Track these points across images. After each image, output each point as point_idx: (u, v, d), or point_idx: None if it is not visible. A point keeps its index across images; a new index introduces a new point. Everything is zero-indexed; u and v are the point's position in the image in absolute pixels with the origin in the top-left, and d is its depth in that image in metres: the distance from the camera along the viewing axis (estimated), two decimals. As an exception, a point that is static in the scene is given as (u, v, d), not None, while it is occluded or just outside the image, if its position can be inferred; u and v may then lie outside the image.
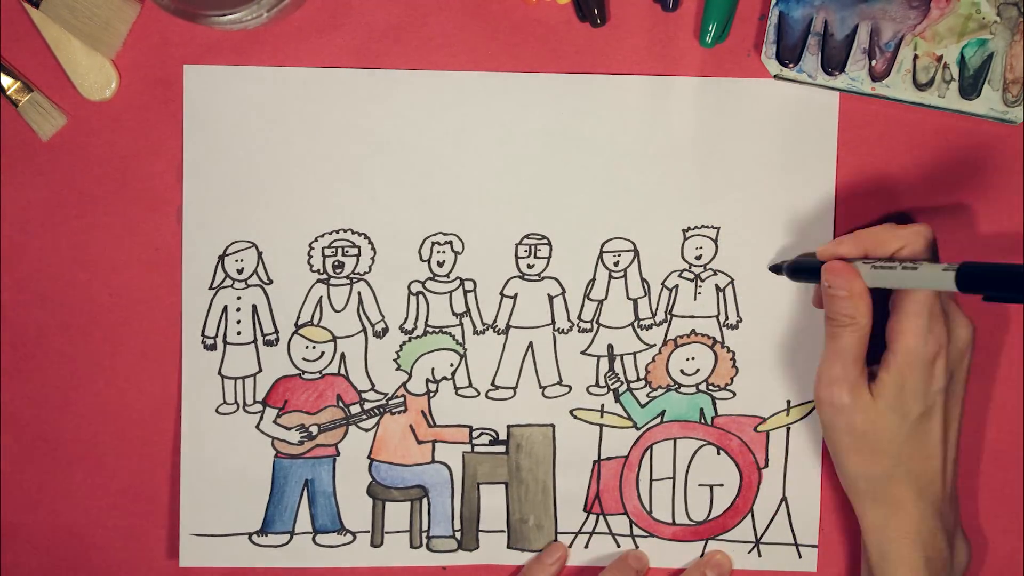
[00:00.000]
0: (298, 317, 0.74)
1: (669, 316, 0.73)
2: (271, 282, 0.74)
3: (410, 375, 0.74)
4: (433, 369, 0.74)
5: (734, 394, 0.74)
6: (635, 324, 0.73)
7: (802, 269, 0.70)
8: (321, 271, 0.73)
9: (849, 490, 0.68)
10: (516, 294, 0.74)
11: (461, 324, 0.74)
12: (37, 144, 0.73)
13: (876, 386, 0.65)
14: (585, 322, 0.74)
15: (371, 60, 0.73)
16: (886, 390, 0.65)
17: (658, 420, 0.74)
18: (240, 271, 0.73)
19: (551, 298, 0.74)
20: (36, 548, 0.75)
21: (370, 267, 0.73)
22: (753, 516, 0.74)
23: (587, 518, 0.74)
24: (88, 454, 0.74)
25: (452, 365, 0.74)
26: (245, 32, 0.72)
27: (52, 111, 0.72)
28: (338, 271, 0.73)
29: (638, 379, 0.74)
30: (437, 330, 0.74)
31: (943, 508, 0.67)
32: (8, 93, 0.72)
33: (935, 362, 0.65)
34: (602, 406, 0.74)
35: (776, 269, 0.72)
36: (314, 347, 0.74)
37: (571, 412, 0.74)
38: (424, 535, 0.74)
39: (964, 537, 0.71)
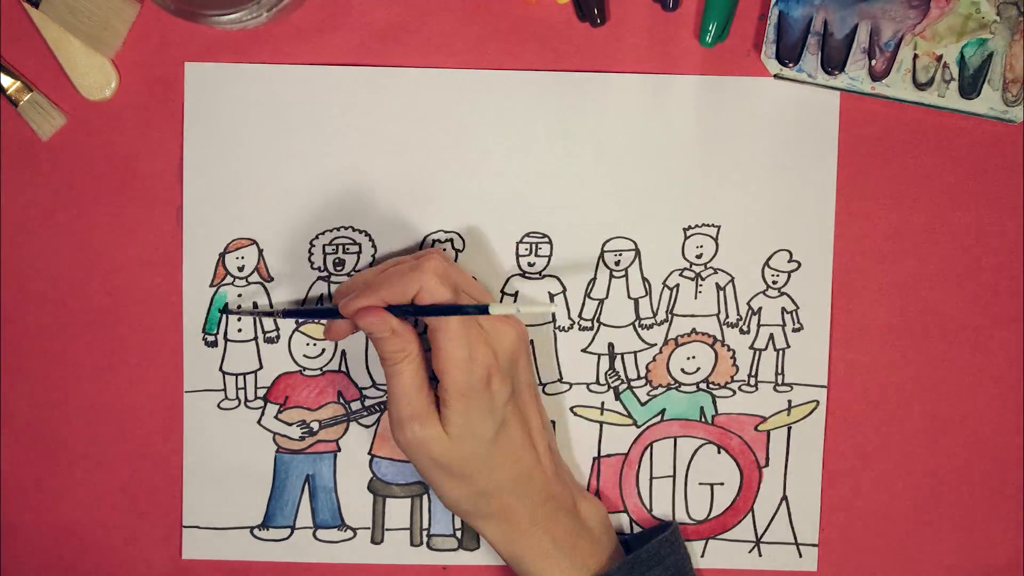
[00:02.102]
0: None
1: (670, 315, 0.74)
2: (272, 279, 0.74)
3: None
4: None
5: (734, 393, 0.74)
6: (636, 323, 0.74)
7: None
8: (322, 268, 0.74)
9: (456, 513, 0.69)
10: (516, 292, 0.74)
11: (462, 322, 0.74)
12: (37, 144, 0.73)
13: (444, 421, 0.65)
14: (586, 320, 0.74)
15: (371, 59, 0.73)
16: (452, 422, 0.65)
17: (658, 418, 0.74)
18: (241, 268, 0.74)
19: (552, 296, 0.74)
20: (36, 547, 0.75)
21: (371, 264, 0.73)
22: (754, 515, 0.75)
23: (588, 516, 0.75)
24: (88, 453, 0.74)
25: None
26: (245, 32, 0.72)
27: (52, 111, 0.72)
28: (339, 268, 0.74)
29: (638, 377, 0.74)
30: (438, 328, 0.74)
31: (551, 490, 0.69)
32: (8, 93, 0.72)
33: (490, 383, 0.65)
34: (602, 403, 0.74)
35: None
36: (315, 344, 0.74)
37: (571, 409, 0.74)
38: (425, 533, 0.75)
39: (587, 496, 0.72)
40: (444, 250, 0.73)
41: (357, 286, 0.67)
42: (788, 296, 0.73)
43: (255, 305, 0.74)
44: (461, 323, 0.64)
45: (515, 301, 0.74)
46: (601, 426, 0.74)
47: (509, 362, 0.67)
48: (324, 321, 0.73)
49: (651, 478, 0.75)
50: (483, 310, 0.63)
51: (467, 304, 0.65)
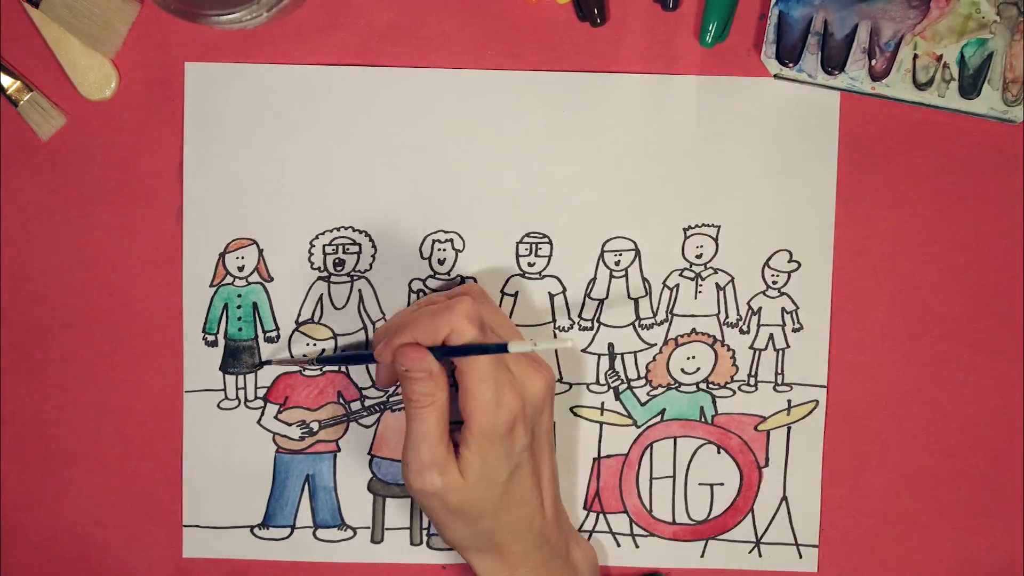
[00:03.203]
0: (299, 315, 0.74)
1: (670, 315, 0.74)
2: (272, 279, 0.74)
3: (411, 373, 0.74)
4: (433, 367, 0.74)
5: (734, 392, 0.74)
6: (636, 323, 0.74)
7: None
8: (322, 268, 0.74)
9: (452, 545, 0.69)
10: (517, 292, 0.74)
11: (462, 322, 0.74)
12: (37, 144, 0.73)
13: (461, 463, 0.65)
14: (586, 320, 0.74)
15: (371, 59, 0.73)
16: (471, 466, 0.65)
17: (658, 418, 0.74)
18: (241, 268, 0.74)
19: (552, 296, 0.74)
20: (36, 547, 0.75)
21: (371, 265, 0.74)
22: (753, 516, 0.75)
23: (587, 516, 0.75)
24: (89, 453, 0.74)
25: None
26: (245, 32, 0.72)
27: (52, 111, 0.72)
28: (339, 269, 0.74)
29: (638, 377, 0.74)
30: (438, 328, 0.74)
31: (548, 535, 0.68)
32: (8, 93, 0.72)
33: (513, 429, 0.65)
34: (602, 404, 0.74)
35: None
36: (315, 344, 0.74)
37: (571, 409, 0.74)
38: (424, 532, 0.75)
39: (580, 541, 0.72)
40: (444, 248, 0.73)
41: (392, 329, 0.66)
42: (788, 296, 0.73)
43: (291, 354, 0.74)
44: (491, 366, 0.64)
45: (515, 302, 0.74)
46: (601, 426, 0.74)
47: (535, 409, 0.67)
48: (324, 321, 0.73)
49: (651, 479, 0.75)
50: (503, 348, 0.62)
51: (489, 343, 0.64)
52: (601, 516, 0.75)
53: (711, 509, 0.75)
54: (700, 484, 0.75)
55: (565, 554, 0.70)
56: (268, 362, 0.74)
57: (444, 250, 0.73)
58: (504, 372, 0.65)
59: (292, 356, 0.74)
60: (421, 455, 0.64)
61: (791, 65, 0.70)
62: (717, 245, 0.73)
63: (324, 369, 0.74)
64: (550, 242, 0.73)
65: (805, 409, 0.74)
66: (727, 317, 0.74)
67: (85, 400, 0.74)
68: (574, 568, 0.70)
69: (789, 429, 0.74)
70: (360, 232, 0.73)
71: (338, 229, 0.73)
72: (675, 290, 0.74)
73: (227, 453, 0.74)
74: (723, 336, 0.74)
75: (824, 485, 0.74)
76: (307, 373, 0.74)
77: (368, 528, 0.75)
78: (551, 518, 0.69)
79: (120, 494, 0.75)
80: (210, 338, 0.74)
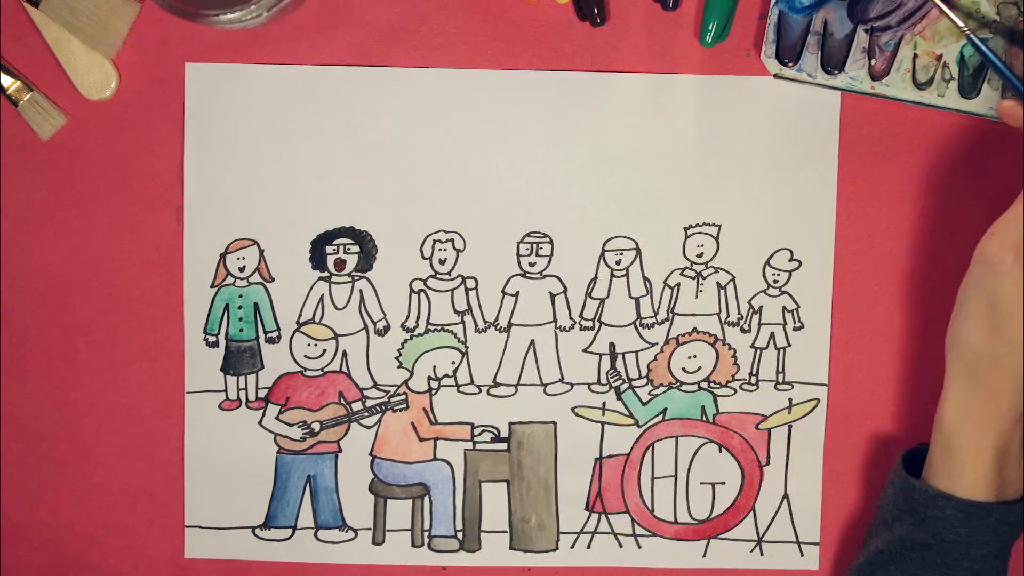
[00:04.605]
0: (300, 315, 0.74)
1: (671, 314, 0.74)
2: (273, 280, 0.74)
3: (412, 373, 0.74)
4: (435, 367, 0.74)
5: (735, 391, 0.74)
6: (637, 323, 0.74)
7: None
8: (322, 268, 0.74)
9: (952, 357, 0.66)
10: (518, 292, 0.74)
11: (463, 322, 0.74)
12: (37, 144, 0.73)
13: None
14: (587, 320, 0.74)
15: (371, 59, 0.73)
16: None
17: (660, 418, 0.74)
18: (242, 269, 0.74)
19: (553, 296, 0.74)
20: (37, 547, 0.75)
21: (372, 265, 0.74)
22: (755, 514, 0.75)
23: (589, 517, 0.75)
24: (89, 453, 0.74)
25: (454, 363, 0.74)
26: (245, 32, 0.72)
27: (52, 111, 0.72)
28: (339, 268, 0.74)
29: (640, 377, 0.74)
30: (439, 328, 0.74)
31: None
32: (8, 93, 0.72)
33: None
34: (603, 404, 0.74)
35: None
36: (316, 345, 0.74)
37: (572, 409, 0.74)
38: (426, 534, 0.75)
39: None
40: (445, 248, 0.73)
41: None
42: (789, 295, 0.73)
43: (256, 307, 0.73)
44: None
45: (516, 302, 0.74)
46: (603, 426, 0.74)
47: None
48: (325, 322, 0.73)
49: (653, 478, 0.75)
50: None
51: None
52: (603, 517, 0.75)
53: (713, 508, 0.75)
54: (702, 483, 0.75)
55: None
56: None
57: (445, 250, 0.73)
58: None
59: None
60: (1009, 231, 0.63)
61: (791, 65, 0.70)
62: (718, 244, 0.73)
63: (325, 369, 0.74)
64: (551, 242, 0.73)
65: (806, 408, 0.74)
66: (728, 316, 0.74)
67: (85, 400, 0.74)
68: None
69: (790, 427, 0.74)
70: (360, 232, 0.73)
71: (338, 229, 0.73)
72: (676, 289, 0.74)
73: (228, 454, 0.74)
74: (724, 335, 0.74)
75: (825, 483, 0.74)
76: (308, 374, 0.74)
77: (369, 529, 0.75)
78: None
79: (121, 494, 0.75)
80: (211, 339, 0.74)
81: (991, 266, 0.63)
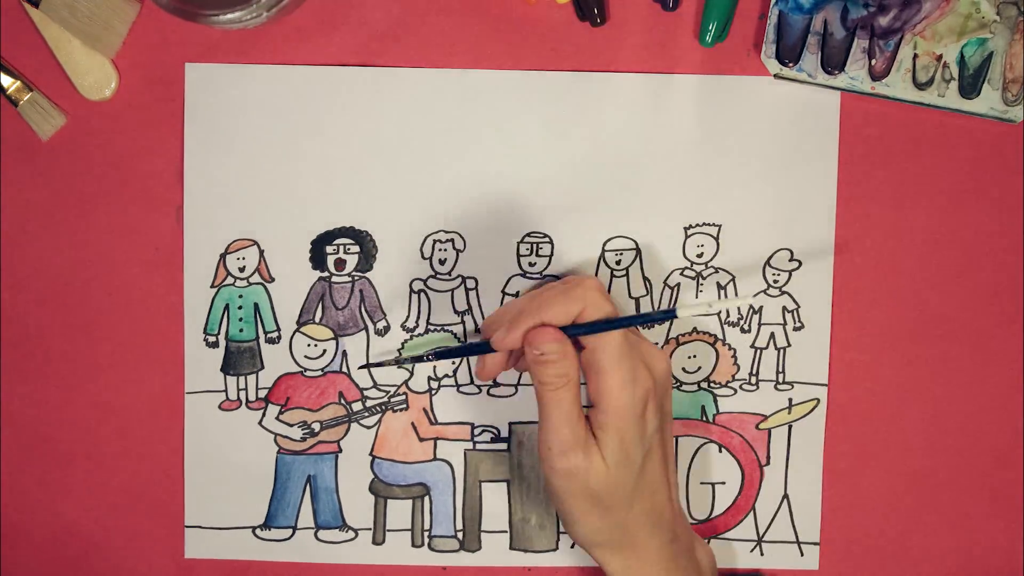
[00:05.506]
0: (300, 315, 0.74)
1: (671, 315, 0.74)
2: (273, 280, 0.74)
3: (412, 373, 0.74)
4: (435, 367, 0.74)
5: (735, 391, 0.74)
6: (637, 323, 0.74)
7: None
8: (323, 268, 0.74)
9: (585, 545, 0.66)
10: (518, 292, 0.74)
11: (463, 322, 0.74)
12: (37, 144, 0.73)
13: (600, 446, 0.63)
14: (587, 320, 0.74)
15: (371, 59, 0.73)
16: (609, 448, 0.63)
17: (659, 418, 0.74)
18: (242, 269, 0.74)
19: (554, 296, 0.74)
20: (36, 547, 0.75)
21: (372, 265, 0.74)
22: (755, 514, 0.75)
23: (589, 516, 0.75)
24: (89, 453, 0.74)
25: (454, 363, 0.74)
26: (245, 32, 0.72)
27: (52, 111, 0.72)
28: (340, 269, 0.74)
29: (639, 377, 0.74)
30: (439, 328, 0.74)
31: (676, 530, 0.67)
32: (8, 93, 0.72)
33: (646, 409, 0.64)
34: (603, 403, 0.74)
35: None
36: (316, 345, 0.74)
37: (572, 409, 0.74)
38: (426, 534, 0.75)
39: (700, 541, 0.71)
40: (445, 249, 0.73)
41: (508, 317, 0.65)
42: (789, 295, 0.73)
43: (256, 307, 0.74)
44: (624, 343, 0.63)
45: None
46: (602, 426, 0.74)
47: (662, 388, 0.66)
48: (325, 322, 0.73)
49: (652, 478, 0.75)
50: (671, 314, 0.59)
51: (650, 312, 0.62)
52: (602, 516, 0.75)
53: (713, 508, 0.75)
54: (702, 483, 0.75)
55: (691, 552, 0.68)
56: (373, 364, 0.74)
57: (445, 250, 0.73)
58: (635, 350, 0.64)
59: (395, 357, 0.73)
60: (562, 436, 0.63)
61: (791, 65, 0.70)
62: (718, 244, 0.73)
63: (325, 370, 0.74)
64: (551, 242, 0.73)
65: (806, 408, 0.74)
66: (728, 316, 0.74)
67: (85, 400, 0.74)
68: (698, 567, 0.68)
69: (790, 427, 0.74)
70: (360, 232, 0.73)
71: (338, 229, 0.73)
72: (676, 289, 0.74)
73: (228, 454, 0.74)
74: (724, 335, 0.74)
75: (825, 483, 0.74)
76: (308, 374, 0.74)
77: (369, 529, 0.75)
78: (678, 511, 0.68)
79: (121, 494, 0.75)
80: (211, 339, 0.74)
81: (569, 474, 0.63)
